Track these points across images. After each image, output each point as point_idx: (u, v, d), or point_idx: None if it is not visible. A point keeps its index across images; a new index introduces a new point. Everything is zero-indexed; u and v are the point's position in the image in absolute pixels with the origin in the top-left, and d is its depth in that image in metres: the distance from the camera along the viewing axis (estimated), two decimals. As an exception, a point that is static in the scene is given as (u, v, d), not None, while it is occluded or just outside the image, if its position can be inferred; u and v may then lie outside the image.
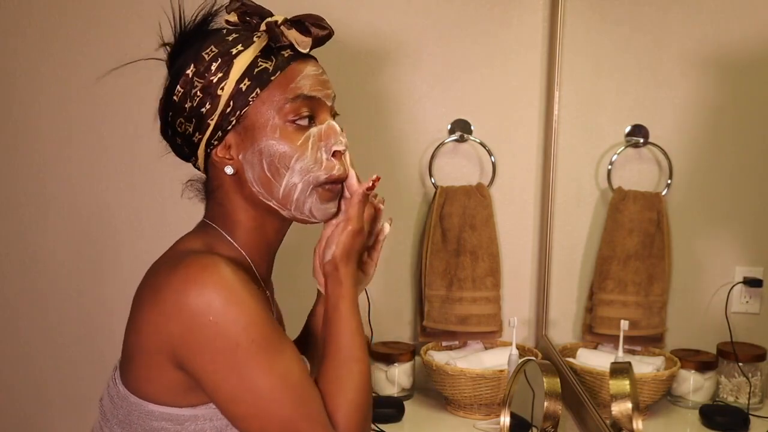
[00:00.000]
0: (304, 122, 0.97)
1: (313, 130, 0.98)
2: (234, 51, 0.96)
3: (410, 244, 1.94)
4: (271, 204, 1.00)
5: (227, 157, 0.99)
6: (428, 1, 1.87)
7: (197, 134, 0.98)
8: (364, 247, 1.06)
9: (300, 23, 0.98)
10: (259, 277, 1.04)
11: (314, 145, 0.97)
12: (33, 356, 1.93)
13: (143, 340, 0.94)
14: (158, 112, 1.03)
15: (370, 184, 1.02)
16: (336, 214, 1.04)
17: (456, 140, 1.90)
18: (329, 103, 1.01)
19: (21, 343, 1.92)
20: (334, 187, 1.01)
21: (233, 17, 0.99)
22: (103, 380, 1.04)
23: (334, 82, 1.03)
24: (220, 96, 0.96)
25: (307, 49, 0.98)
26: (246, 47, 0.97)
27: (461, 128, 1.90)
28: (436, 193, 1.89)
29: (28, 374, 1.93)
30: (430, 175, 1.89)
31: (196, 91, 0.96)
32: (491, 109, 1.91)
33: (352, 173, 1.03)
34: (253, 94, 0.96)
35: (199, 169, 1.05)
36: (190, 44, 0.99)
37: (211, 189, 1.03)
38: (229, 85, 0.95)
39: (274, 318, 0.96)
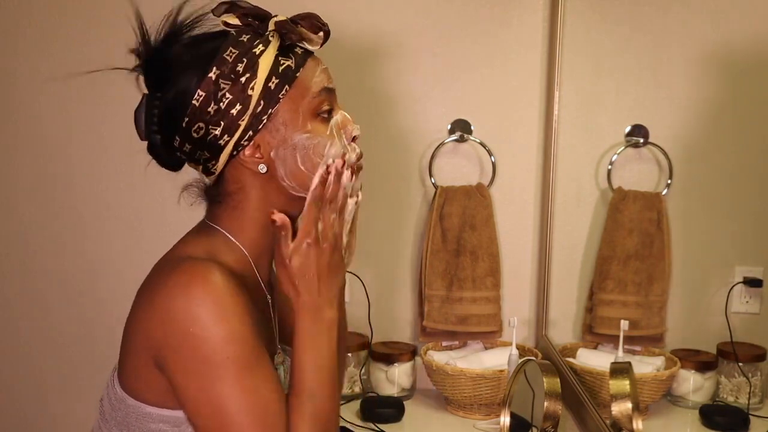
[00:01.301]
0: (326, 114, 1.00)
1: (334, 120, 1.01)
2: (257, 51, 0.96)
3: (410, 244, 1.94)
4: (301, 194, 0.99)
5: (257, 156, 0.98)
6: (428, 1, 1.87)
7: (225, 137, 0.97)
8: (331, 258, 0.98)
9: (307, 21, 0.99)
10: (260, 278, 1.04)
11: (338, 133, 1.01)
12: (33, 356, 1.93)
13: (133, 340, 0.95)
14: (151, 125, 1.01)
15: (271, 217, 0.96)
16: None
17: (456, 140, 1.90)
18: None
19: (21, 343, 1.93)
20: (360, 164, 1.04)
21: (233, 19, 0.98)
22: (103, 380, 1.04)
23: (334, 82, 1.04)
24: (251, 96, 0.96)
25: (320, 45, 1.00)
26: (266, 46, 0.97)
27: (461, 128, 1.90)
28: (436, 193, 1.89)
29: (28, 374, 1.93)
30: (430, 175, 1.89)
31: (225, 93, 0.95)
32: (491, 109, 1.91)
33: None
34: (282, 92, 0.97)
35: (207, 173, 1.02)
36: (174, 55, 0.97)
37: (226, 192, 1.02)
38: (258, 84, 0.96)
39: (258, 335, 0.95)
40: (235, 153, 0.98)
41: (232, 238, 1.01)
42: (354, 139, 1.03)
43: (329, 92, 1.01)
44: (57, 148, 1.87)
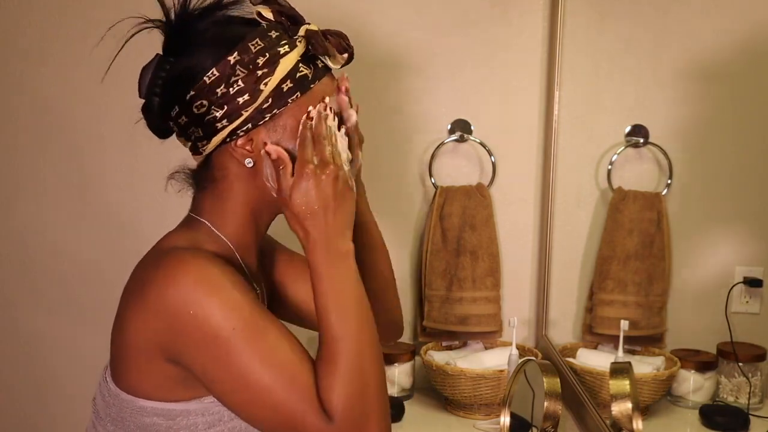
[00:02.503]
0: None
1: None
2: (282, 50, 0.96)
3: (410, 244, 1.94)
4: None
5: (248, 149, 0.98)
6: (428, 0, 1.87)
7: (225, 121, 0.97)
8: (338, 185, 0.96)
9: (335, 38, 0.99)
10: (246, 269, 1.04)
11: None
12: (33, 356, 1.93)
13: (130, 337, 0.94)
14: (154, 86, 1.00)
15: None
16: None
17: (456, 140, 1.90)
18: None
19: (21, 343, 1.93)
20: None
21: (267, 12, 0.98)
22: (103, 380, 1.04)
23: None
24: (261, 91, 0.96)
25: (340, 66, 1.00)
26: (291, 49, 0.97)
27: (461, 128, 1.90)
28: (436, 193, 1.89)
29: (28, 374, 1.93)
30: (430, 175, 1.89)
31: (238, 80, 0.95)
32: (491, 109, 1.91)
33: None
34: (293, 97, 0.97)
35: (195, 152, 1.02)
36: (201, 28, 0.98)
37: (211, 178, 1.02)
38: (272, 83, 0.96)
39: (259, 303, 0.95)
40: (228, 140, 0.98)
41: (215, 230, 1.01)
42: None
43: (335, 113, 1.00)
44: (57, 148, 1.87)
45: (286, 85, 0.96)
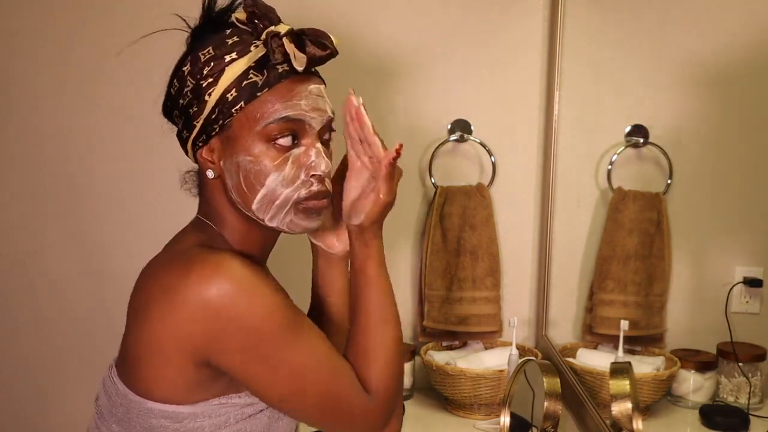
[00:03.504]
0: (286, 141, 0.95)
1: (295, 151, 0.95)
2: (228, 58, 0.94)
3: (410, 244, 1.94)
4: (249, 214, 0.98)
5: (210, 160, 0.97)
6: (429, 0, 1.87)
7: (185, 132, 0.98)
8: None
9: (300, 39, 0.94)
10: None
11: (292, 166, 0.95)
12: (33, 356, 1.93)
13: (157, 341, 0.92)
14: None
15: (395, 154, 1.02)
16: (317, 229, 1.03)
17: (456, 140, 1.90)
18: (318, 127, 0.97)
19: (21, 343, 1.92)
20: (317, 203, 0.98)
21: (242, 15, 0.96)
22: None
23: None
24: (207, 101, 0.94)
25: (302, 68, 0.93)
26: (240, 56, 0.94)
27: (461, 128, 1.90)
28: (436, 193, 1.89)
29: (28, 374, 1.93)
30: (430, 175, 1.89)
31: (187, 91, 0.95)
32: (491, 109, 1.91)
33: (376, 141, 1.03)
34: (237, 107, 0.93)
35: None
36: (211, 30, 0.96)
37: (200, 184, 1.04)
38: (216, 92, 0.93)
39: (290, 298, 0.96)
40: (195, 150, 0.99)
41: (221, 233, 1.01)
42: (314, 176, 0.96)
43: (291, 121, 0.94)
44: (57, 148, 1.87)
45: (231, 94, 0.93)
